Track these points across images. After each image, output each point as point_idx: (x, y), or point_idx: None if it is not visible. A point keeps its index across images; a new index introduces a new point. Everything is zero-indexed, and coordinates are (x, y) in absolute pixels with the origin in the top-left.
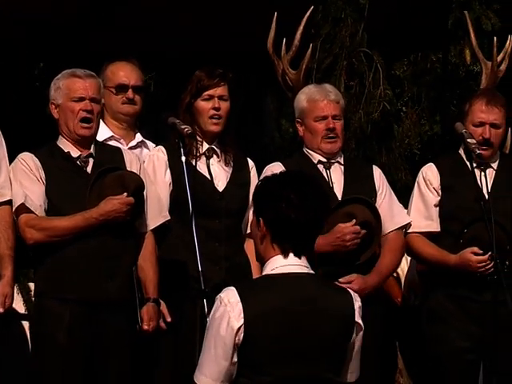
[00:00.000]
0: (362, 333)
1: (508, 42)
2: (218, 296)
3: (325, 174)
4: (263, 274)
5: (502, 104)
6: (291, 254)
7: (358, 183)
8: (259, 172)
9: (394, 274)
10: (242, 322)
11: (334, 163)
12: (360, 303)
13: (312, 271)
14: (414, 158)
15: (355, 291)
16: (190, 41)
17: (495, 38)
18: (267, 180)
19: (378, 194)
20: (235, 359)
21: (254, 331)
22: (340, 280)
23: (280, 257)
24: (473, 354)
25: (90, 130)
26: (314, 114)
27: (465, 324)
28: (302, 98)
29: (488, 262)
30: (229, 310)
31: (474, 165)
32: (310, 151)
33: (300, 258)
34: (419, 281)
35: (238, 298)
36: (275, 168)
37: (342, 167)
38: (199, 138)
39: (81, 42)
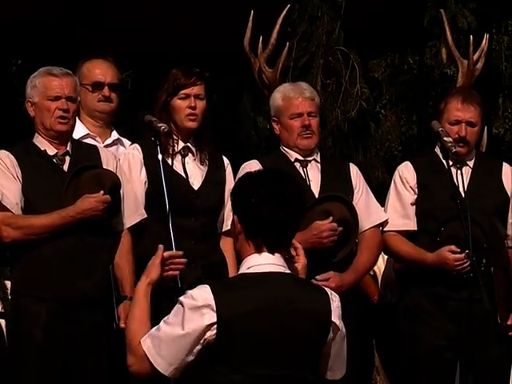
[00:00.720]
0: (340, 332)
1: (484, 40)
2: (190, 291)
3: (302, 172)
4: (239, 272)
5: (477, 102)
6: (265, 252)
7: (334, 181)
8: (235, 170)
9: (371, 272)
10: (214, 319)
11: (310, 161)
12: (338, 303)
13: (288, 270)
14: (395, 160)
15: (332, 289)
16: (168, 40)
17: (471, 36)
18: (243, 177)
19: (355, 192)
20: (195, 352)
21: (228, 329)
22: (317, 277)
23: (255, 255)
24: (449, 352)
25: (67, 125)
26: (290, 111)
27: (441, 322)
28: (277, 96)
29: (465, 261)
30: (200, 306)
31: (451, 163)
32: (286, 149)
33: (275, 256)
34: (396, 279)
35: (212, 296)
36: (252, 166)
37: (319, 165)
38: (175, 137)
39: (66, 40)
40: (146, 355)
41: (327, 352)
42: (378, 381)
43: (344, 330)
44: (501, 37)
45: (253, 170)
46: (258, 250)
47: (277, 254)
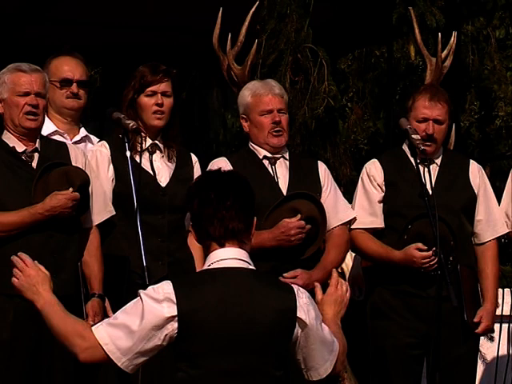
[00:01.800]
0: (311, 328)
1: (452, 38)
2: (151, 286)
3: (270, 170)
4: (202, 268)
5: (445, 100)
6: (227, 248)
7: (303, 179)
8: (204, 167)
9: (339, 270)
10: (174, 313)
11: (279, 158)
12: (307, 299)
13: (252, 266)
14: (361, 153)
15: (299, 286)
16: (136, 36)
17: (439, 34)
18: (196, 179)
19: (323, 190)
20: (153, 345)
21: (188, 324)
22: (284, 275)
23: (218, 251)
24: (416, 349)
25: (36, 122)
26: (260, 108)
27: (409, 320)
28: (246, 93)
29: (432, 258)
30: (161, 299)
31: (418, 161)
32: (255, 146)
33: (238, 251)
34: (363, 276)
35: (172, 290)
36: (220, 163)
37: (288, 162)
38: (143, 134)
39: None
40: (99, 343)
41: (302, 350)
42: (346, 378)
43: (318, 321)
44: (468, 31)
45: (221, 167)
46: (219, 247)
47: (240, 250)
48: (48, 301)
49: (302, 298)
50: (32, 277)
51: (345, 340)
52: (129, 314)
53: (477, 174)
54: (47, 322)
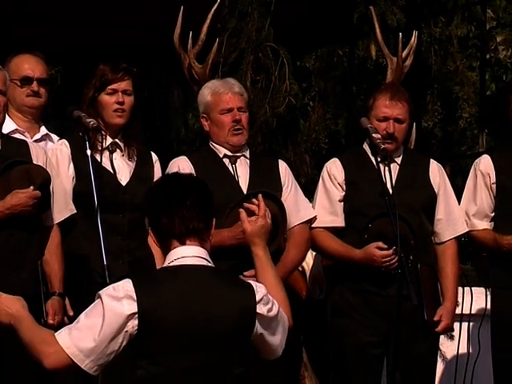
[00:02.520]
0: (268, 317)
1: (413, 37)
2: (111, 284)
3: (230, 168)
4: (163, 266)
5: (405, 99)
6: (186, 246)
7: (263, 177)
8: (165, 166)
9: (300, 268)
10: (134, 310)
11: (239, 157)
12: (264, 291)
13: (212, 264)
14: (322, 152)
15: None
16: (96, 34)
17: (400, 33)
18: (155, 182)
19: (284, 188)
20: (116, 345)
21: (149, 321)
22: (244, 274)
23: (177, 249)
24: (377, 348)
25: None
26: (220, 106)
27: (369, 318)
28: (206, 92)
29: (392, 257)
30: (121, 297)
31: (379, 159)
32: (216, 145)
33: (198, 249)
34: (324, 275)
35: (132, 288)
36: (181, 162)
37: (248, 161)
38: (103, 132)
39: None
40: (61, 348)
41: (261, 340)
42: (306, 376)
43: (274, 310)
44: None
45: (181, 166)
46: (180, 244)
47: (200, 248)
48: (17, 316)
49: (260, 292)
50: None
51: (282, 286)
52: (90, 316)
53: (437, 174)
54: (18, 336)
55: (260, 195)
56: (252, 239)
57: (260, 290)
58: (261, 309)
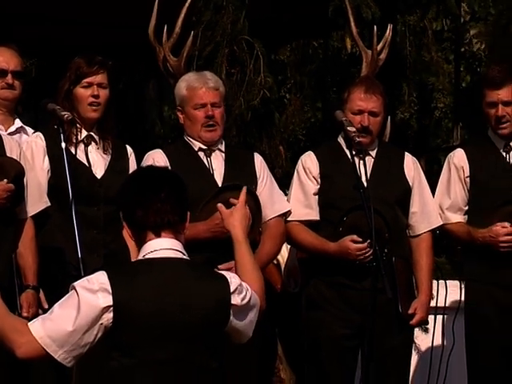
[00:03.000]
0: (242, 306)
1: (388, 31)
2: (86, 277)
3: (205, 161)
4: (137, 258)
5: (380, 92)
6: (160, 238)
7: (238, 170)
8: (140, 159)
9: (275, 261)
10: (110, 303)
11: (214, 150)
12: (238, 280)
13: (186, 257)
14: (299, 145)
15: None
16: (71, 28)
17: (375, 26)
18: (129, 175)
19: (259, 181)
20: (91, 337)
21: (123, 313)
22: (219, 267)
23: (152, 242)
24: (351, 341)
25: None
26: (194, 101)
27: (344, 311)
28: (182, 85)
29: (367, 250)
30: (96, 290)
31: (354, 153)
32: (190, 139)
33: (172, 241)
34: (299, 268)
35: (107, 280)
36: (156, 155)
37: (223, 154)
38: (78, 125)
39: None
40: (34, 338)
41: (233, 327)
42: (281, 369)
43: (247, 297)
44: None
45: (156, 159)
46: (155, 236)
47: (175, 240)
48: None
49: (234, 282)
50: None
51: (258, 267)
52: (64, 307)
53: (411, 167)
54: None
55: (245, 187)
56: (232, 222)
57: (234, 281)
58: (235, 299)
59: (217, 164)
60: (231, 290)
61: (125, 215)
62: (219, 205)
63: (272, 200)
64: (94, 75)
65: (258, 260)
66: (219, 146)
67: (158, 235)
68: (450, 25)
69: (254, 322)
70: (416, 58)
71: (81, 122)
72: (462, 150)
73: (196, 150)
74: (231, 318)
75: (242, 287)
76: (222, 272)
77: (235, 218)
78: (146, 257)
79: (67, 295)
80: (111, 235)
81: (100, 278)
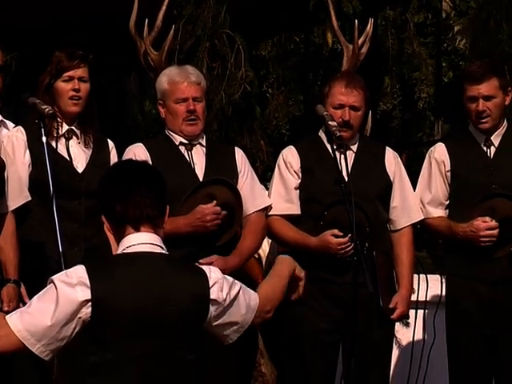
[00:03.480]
0: (225, 302)
1: (369, 25)
2: (64, 270)
3: (186, 156)
4: (117, 253)
5: (361, 86)
6: (139, 232)
7: (219, 165)
8: (121, 153)
9: (256, 256)
10: (88, 297)
11: (195, 145)
12: (218, 274)
13: (165, 251)
14: (283, 139)
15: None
16: (52, 21)
17: (356, 21)
18: (108, 168)
19: (240, 176)
20: (69, 330)
21: (102, 308)
22: (200, 261)
23: (130, 236)
24: (332, 335)
25: None
26: (175, 96)
27: (325, 306)
28: (163, 79)
29: (348, 244)
30: (75, 283)
31: (335, 147)
32: (171, 133)
33: (151, 236)
34: None
35: (86, 274)
36: (137, 149)
37: (204, 149)
38: (59, 119)
39: None
40: (12, 331)
41: (213, 325)
42: (262, 364)
43: (233, 292)
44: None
45: (137, 153)
46: (134, 230)
47: (154, 235)
48: None
49: (214, 277)
50: None
51: (276, 282)
52: (42, 301)
53: (392, 161)
54: None
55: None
56: None
57: (214, 276)
58: (215, 294)
59: (198, 158)
60: (210, 285)
61: (104, 209)
62: None
63: (253, 194)
64: (74, 69)
65: (239, 255)
66: (200, 141)
67: (138, 229)
68: (431, 19)
69: (247, 323)
70: (398, 50)
71: (62, 116)
72: (443, 145)
73: (177, 144)
74: (212, 312)
75: (223, 282)
76: (202, 266)
77: None
78: (125, 251)
79: (45, 289)
80: (92, 229)
81: (78, 272)
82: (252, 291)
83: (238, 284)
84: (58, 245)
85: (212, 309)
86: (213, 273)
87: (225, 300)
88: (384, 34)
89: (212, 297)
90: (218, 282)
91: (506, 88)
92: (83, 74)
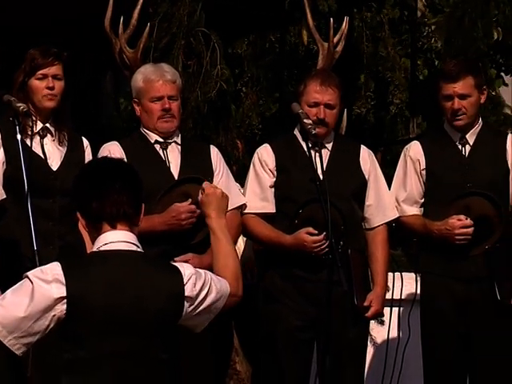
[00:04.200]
0: (197, 299)
1: (344, 23)
2: (40, 267)
3: (162, 154)
4: (92, 250)
5: (335, 85)
6: (115, 230)
7: (194, 163)
8: (96, 151)
9: None
10: (63, 294)
11: (170, 143)
12: (191, 270)
13: (141, 249)
14: (255, 138)
15: None
16: (27, 18)
17: (331, 19)
18: (84, 166)
19: (215, 174)
20: (42, 326)
21: (77, 305)
22: (175, 259)
23: (106, 234)
24: (307, 333)
25: None
26: (150, 94)
27: (299, 303)
28: (139, 77)
29: (323, 242)
30: (50, 280)
31: (310, 145)
32: (147, 131)
33: (127, 234)
34: (255, 260)
35: (61, 272)
36: (112, 147)
37: (179, 147)
38: (33, 117)
39: None
40: None
41: (190, 318)
42: (237, 361)
43: (206, 286)
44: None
45: (112, 151)
46: (110, 228)
47: (129, 233)
48: None
49: (187, 274)
50: None
51: (235, 255)
52: (17, 294)
53: (367, 160)
54: None
55: (206, 182)
56: (205, 211)
57: (188, 272)
58: (189, 291)
59: (173, 156)
60: (184, 282)
61: (80, 207)
62: (200, 191)
63: (228, 192)
64: (48, 67)
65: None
66: (175, 139)
67: (114, 227)
68: (407, 16)
69: (218, 309)
70: (373, 52)
71: (36, 113)
72: (418, 143)
73: (152, 142)
74: (187, 309)
75: (196, 277)
76: (177, 264)
77: (206, 203)
78: (101, 249)
79: (20, 283)
80: (67, 227)
81: (54, 269)
82: (222, 278)
83: (208, 274)
84: (33, 243)
85: (186, 305)
86: (186, 269)
87: (198, 294)
88: (359, 35)
89: (186, 294)
90: (192, 278)
91: (481, 87)
92: (57, 71)
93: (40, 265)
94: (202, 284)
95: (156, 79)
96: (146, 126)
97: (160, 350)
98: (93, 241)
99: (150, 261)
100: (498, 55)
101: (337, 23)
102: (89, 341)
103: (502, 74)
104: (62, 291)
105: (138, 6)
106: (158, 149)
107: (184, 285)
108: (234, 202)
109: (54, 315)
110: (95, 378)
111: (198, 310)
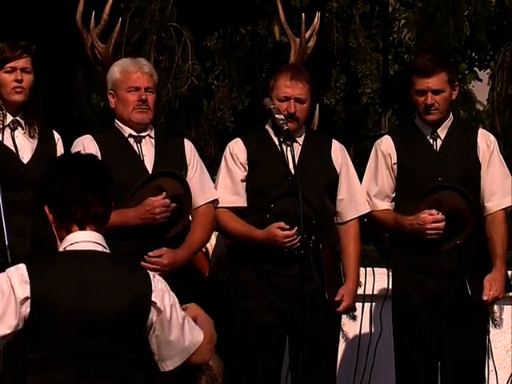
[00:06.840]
0: (166, 316)
1: (316, 19)
2: (7, 269)
3: (135, 148)
4: (58, 250)
5: (306, 79)
6: (81, 231)
7: (169, 157)
8: (68, 146)
9: (203, 249)
10: (27, 295)
11: (144, 137)
12: (162, 286)
13: (107, 250)
14: (227, 131)
15: (164, 265)
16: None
17: (303, 14)
18: (54, 161)
19: (189, 168)
20: (9, 325)
21: (41, 306)
22: (149, 254)
23: (73, 234)
24: (279, 328)
25: None
26: (127, 84)
27: (271, 299)
28: (116, 69)
29: (294, 237)
30: (16, 282)
31: (281, 140)
32: (120, 124)
33: (93, 234)
34: (227, 255)
35: (26, 272)
36: (85, 141)
37: (153, 141)
38: (3, 111)
39: None
40: None
41: (156, 339)
42: (210, 358)
43: (176, 317)
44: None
45: (86, 144)
46: (79, 229)
47: (96, 233)
48: None
49: (158, 283)
50: None
51: (212, 328)
52: None
53: (339, 154)
54: None
55: None
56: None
57: (158, 282)
58: (156, 298)
59: (147, 150)
60: (152, 287)
61: (48, 203)
62: None
63: (202, 187)
64: (17, 59)
65: (188, 248)
66: (149, 133)
67: (83, 227)
68: (377, 11)
69: (179, 362)
70: (343, 44)
71: (5, 106)
72: (390, 137)
73: (126, 136)
74: (153, 317)
75: (170, 295)
76: (148, 271)
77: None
78: (67, 248)
79: None
80: (40, 220)
81: (20, 271)
82: (197, 327)
83: (182, 311)
84: (4, 238)
85: (153, 312)
86: (156, 279)
87: (166, 311)
88: (329, 27)
89: (153, 299)
90: (162, 290)
91: (454, 82)
92: (26, 64)
93: (11, 258)
94: (172, 306)
95: (134, 70)
96: (120, 119)
97: (125, 351)
98: (59, 237)
99: (116, 261)
100: (469, 50)
101: (308, 18)
102: (53, 341)
103: (476, 69)
104: (26, 291)
105: (110, 1)
106: (131, 142)
107: (151, 289)
108: (208, 196)
109: (19, 315)
110: (60, 377)
111: (165, 333)
